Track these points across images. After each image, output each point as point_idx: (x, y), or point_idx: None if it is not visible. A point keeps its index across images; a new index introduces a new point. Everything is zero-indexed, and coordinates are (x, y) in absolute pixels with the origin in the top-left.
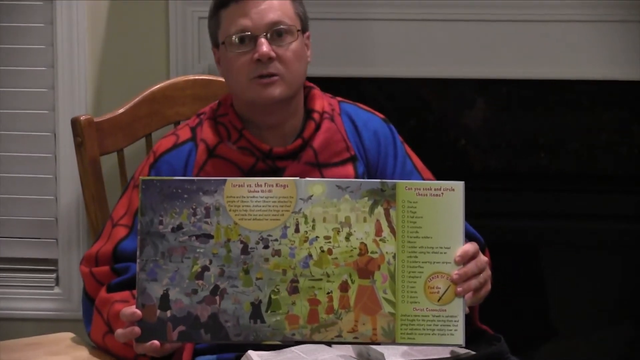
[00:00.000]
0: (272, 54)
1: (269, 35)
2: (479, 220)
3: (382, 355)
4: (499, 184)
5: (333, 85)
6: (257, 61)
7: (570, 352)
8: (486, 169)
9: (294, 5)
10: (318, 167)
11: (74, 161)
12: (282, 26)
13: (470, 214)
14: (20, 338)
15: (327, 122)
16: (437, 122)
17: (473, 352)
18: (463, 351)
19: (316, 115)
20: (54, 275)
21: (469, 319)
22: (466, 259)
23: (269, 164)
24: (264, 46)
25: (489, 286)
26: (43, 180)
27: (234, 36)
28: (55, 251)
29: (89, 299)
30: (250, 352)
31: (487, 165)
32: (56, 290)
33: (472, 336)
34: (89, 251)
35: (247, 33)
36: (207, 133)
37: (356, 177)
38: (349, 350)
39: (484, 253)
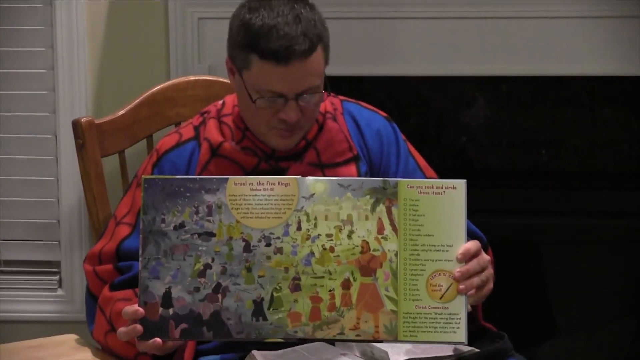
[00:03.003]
0: (299, 116)
1: (298, 98)
2: (480, 218)
3: (386, 353)
4: (500, 181)
5: (335, 84)
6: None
7: (573, 349)
8: (487, 166)
9: (324, 54)
10: (320, 168)
11: (75, 163)
12: (312, 89)
13: (472, 212)
14: (23, 340)
15: (330, 122)
16: (437, 120)
17: (476, 350)
18: (466, 349)
19: (319, 117)
20: (56, 277)
21: (472, 317)
22: (468, 257)
23: (272, 165)
24: (293, 112)
25: (491, 284)
26: (45, 183)
27: (264, 95)
28: (58, 253)
29: (92, 298)
30: (254, 352)
31: (487, 163)
32: (59, 292)
33: (475, 334)
34: (92, 249)
35: (279, 97)
36: (210, 132)
37: (359, 176)
38: (353, 350)
39: (486, 252)
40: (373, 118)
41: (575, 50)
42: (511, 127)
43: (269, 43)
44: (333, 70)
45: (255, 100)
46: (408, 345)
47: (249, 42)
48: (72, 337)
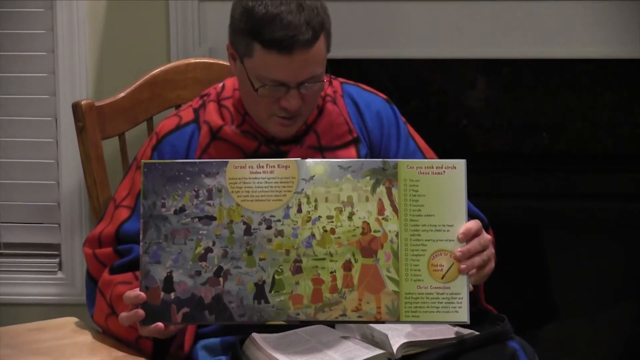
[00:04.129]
0: (300, 104)
1: (300, 86)
2: (481, 201)
3: (386, 336)
4: (501, 164)
5: (335, 66)
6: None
7: (573, 332)
8: (488, 149)
9: (326, 42)
10: (320, 151)
11: (75, 146)
12: (314, 77)
13: (473, 195)
14: (23, 323)
15: (330, 104)
16: (438, 103)
17: (477, 333)
18: (467, 331)
19: (319, 100)
20: (56, 260)
21: (473, 298)
22: (469, 237)
23: (272, 148)
24: (295, 100)
25: (492, 264)
26: (45, 165)
27: (266, 83)
28: (58, 236)
29: (92, 281)
30: (254, 334)
31: (489, 146)
32: (59, 275)
33: (476, 316)
34: (92, 233)
35: (281, 85)
36: (210, 115)
37: (359, 158)
38: (353, 332)
39: (487, 232)
40: (373, 100)
41: (577, 33)
42: (512, 110)
43: (272, 32)
44: (333, 52)
45: (257, 89)
46: (408, 328)
47: (251, 30)
48: (72, 320)
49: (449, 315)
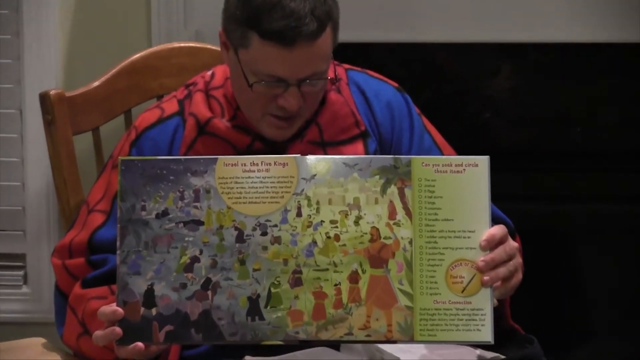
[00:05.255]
0: (300, 104)
1: (301, 83)
2: (507, 204)
3: (398, 359)
4: (527, 163)
5: (339, 51)
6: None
7: (611, 354)
8: (512, 146)
9: (333, 35)
10: (323, 147)
11: (43, 142)
12: (317, 74)
13: (497, 197)
14: None
15: (334, 94)
16: (456, 92)
17: (502, 357)
18: (490, 355)
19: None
20: (21, 273)
21: (498, 315)
22: (493, 244)
23: (268, 144)
24: (294, 99)
25: (520, 275)
26: (8, 165)
27: (262, 79)
28: (23, 245)
29: (61, 296)
30: (247, 357)
31: (513, 142)
32: (24, 289)
33: (501, 336)
34: (62, 241)
35: (279, 82)
36: (197, 107)
37: (367, 154)
38: (360, 354)
39: (513, 239)
40: (382, 88)
41: (611, 13)
42: (541, 101)
43: (272, 21)
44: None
45: (252, 85)
46: (423, 350)
47: (248, 18)
48: (39, 341)
49: (470, 335)
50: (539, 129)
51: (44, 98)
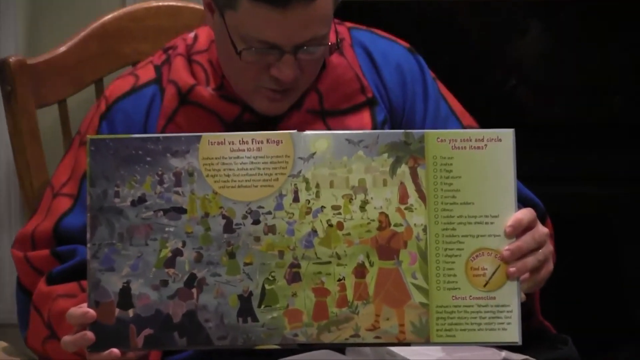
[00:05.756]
0: (297, 74)
1: (297, 50)
2: (536, 185)
3: None
4: (560, 139)
5: (342, 11)
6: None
7: None
8: (543, 118)
9: None
10: (322, 117)
11: (1, 117)
12: (316, 40)
13: (523, 179)
14: None
15: (336, 56)
16: (478, 56)
17: (532, 359)
18: (518, 357)
19: None
20: None
21: (526, 311)
22: (520, 230)
23: (260, 115)
24: (289, 69)
25: (551, 266)
26: None
27: (253, 45)
28: None
29: (24, 293)
30: None
31: (544, 114)
32: None
33: (531, 336)
34: (23, 230)
35: (272, 48)
36: (178, 73)
37: (374, 127)
38: (368, 359)
39: (544, 224)
40: (392, 49)
41: None
42: (574, 66)
43: None
44: None
45: (241, 52)
46: (440, 353)
47: None
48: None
49: (495, 334)
50: (573, 98)
51: (2, 66)
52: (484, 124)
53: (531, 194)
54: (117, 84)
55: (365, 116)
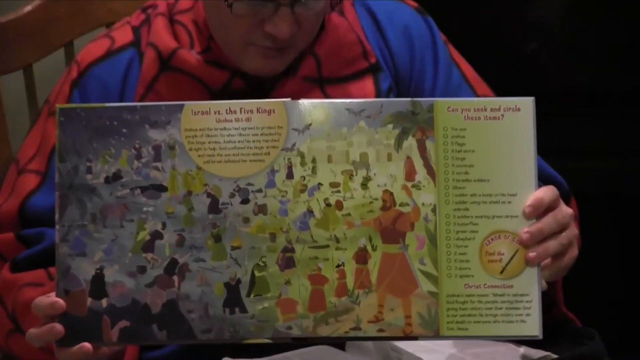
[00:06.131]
0: (293, 30)
1: (294, 3)
2: (559, 161)
3: None
4: (587, 108)
5: None
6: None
7: None
8: (566, 86)
9: None
10: (320, 84)
11: None
12: None
13: (545, 152)
14: None
15: (335, 16)
16: (493, 17)
17: (554, 356)
18: (539, 354)
19: None
20: None
21: (547, 301)
22: (540, 211)
23: (250, 82)
24: (285, 24)
25: (575, 251)
26: None
27: None
28: None
29: None
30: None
31: (567, 81)
32: None
33: (553, 330)
34: None
35: (267, 0)
36: (158, 35)
37: (378, 95)
38: (371, 355)
39: (568, 203)
40: (398, 10)
41: None
42: (601, 28)
43: None
44: None
45: (232, 4)
46: (451, 349)
47: None
48: None
49: (512, 327)
50: (600, 64)
51: None
52: (500, 91)
53: (553, 171)
54: (91, 48)
55: (368, 84)
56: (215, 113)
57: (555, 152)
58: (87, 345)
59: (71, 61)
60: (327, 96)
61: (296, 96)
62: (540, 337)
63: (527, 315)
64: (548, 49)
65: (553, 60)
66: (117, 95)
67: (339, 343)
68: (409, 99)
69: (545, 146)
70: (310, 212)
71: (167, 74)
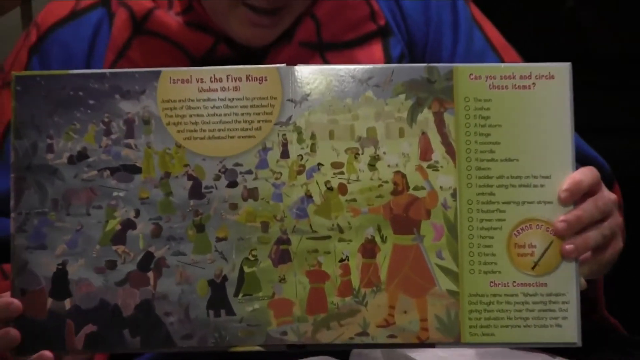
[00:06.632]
0: None
1: None
2: (600, 140)
3: None
4: (635, 80)
5: None
6: None
7: None
8: (610, 51)
9: None
10: (320, 50)
11: None
12: None
13: (585, 130)
14: None
15: None
16: None
17: None
18: None
19: None
20: None
21: (587, 303)
22: (579, 196)
23: (238, 48)
24: None
25: (620, 243)
26: None
27: None
28: None
29: None
30: None
31: (611, 45)
32: None
33: (594, 336)
34: None
35: None
36: None
37: (388, 63)
38: None
39: (611, 188)
40: None
41: None
42: None
43: None
44: None
45: None
46: (474, 358)
47: None
48: None
49: (546, 333)
50: None
51: None
52: (532, 57)
53: (593, 151)
54: (52, 8)
55: (377, 50)
56: (197, 81)
57: (596, 129)
58: (47, 353)
59: (29, 23)
60: (328, 64)
61: (292, 64)
62: (579, 344)
63: (564, 318)
64: (589, 8)
65: (595, 22)
66: (83, 63)
67: (342, 351)
68: (424, 64)
69: (584, 121)
70: (308, 197)
71: (142, 38)
